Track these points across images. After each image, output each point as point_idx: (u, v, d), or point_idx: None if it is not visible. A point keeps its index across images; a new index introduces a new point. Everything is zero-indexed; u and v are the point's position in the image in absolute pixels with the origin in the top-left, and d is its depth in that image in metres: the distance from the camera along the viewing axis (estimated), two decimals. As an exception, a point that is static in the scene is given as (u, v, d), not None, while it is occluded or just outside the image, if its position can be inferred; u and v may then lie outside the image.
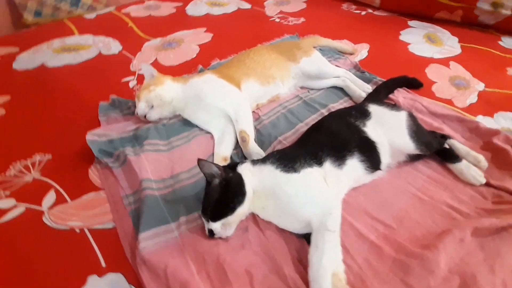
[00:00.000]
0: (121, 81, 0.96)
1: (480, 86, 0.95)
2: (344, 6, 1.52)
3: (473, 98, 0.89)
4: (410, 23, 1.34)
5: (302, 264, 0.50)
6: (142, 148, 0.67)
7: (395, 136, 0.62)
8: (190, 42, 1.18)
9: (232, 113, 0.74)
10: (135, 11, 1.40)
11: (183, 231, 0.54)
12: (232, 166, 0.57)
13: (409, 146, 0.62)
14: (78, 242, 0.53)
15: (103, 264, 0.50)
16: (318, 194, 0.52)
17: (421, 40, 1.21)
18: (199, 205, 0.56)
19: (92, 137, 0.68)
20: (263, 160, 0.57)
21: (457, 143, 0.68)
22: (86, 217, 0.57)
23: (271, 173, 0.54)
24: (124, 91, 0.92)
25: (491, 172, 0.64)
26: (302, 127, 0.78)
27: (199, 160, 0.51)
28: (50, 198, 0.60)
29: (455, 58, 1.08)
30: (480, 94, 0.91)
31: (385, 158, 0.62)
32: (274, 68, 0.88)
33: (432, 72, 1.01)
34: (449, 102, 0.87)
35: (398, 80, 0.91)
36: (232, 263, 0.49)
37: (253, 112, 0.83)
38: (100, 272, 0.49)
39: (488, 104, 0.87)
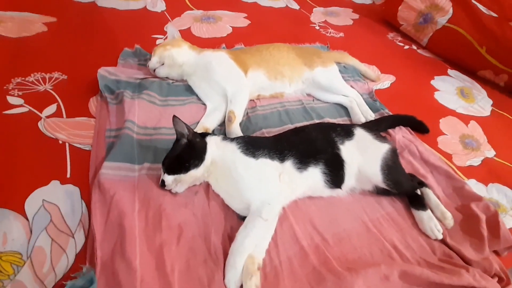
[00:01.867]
0: (151, 36, 1.05)
1: (491, 153, 0.89)
2: (390, 35, 1.49)
3: (476, 161, 0.85)
4: (450, 71, 1.28)
5: (230, 240, 0.53)
6: (139, 95, 0.74)
7: (366, 163, 0.62)
8: (227, 22, 1.24)
9: (230, 93, 0.78)
10: (193, -20, 1.49)
11: (143, 174, 0.60)
12: (203, 135, 0.61)
13: (376, 177, 0.62)
14: (57, 151, 0.61)
15: (68, 175, 0.57)
16: (265, 184, 0.55)
17: (453, 91, 1.15)
18: (165, 159, 0.61)
19: (103, 72, 0.76)
20: (232, 139, 0.60)
21: (431, 194, 0.66)
22: (71, 134, 0.65)
23: (232, 151, 0.57)
24: (150, 45, 1.00)
25: (454, 233, 0.61)
26: (290, 128, 0.80)
27: (174, 117, 0.56)
28: (51, 109, 0.68)
29: (479, 119, 1.02)
30: (486, 160, 0.86)
31: (350, 180, 0.63)
32: (287, 67, 0.90)
33: (446, 123, 0.97)
34: (448, 156, 0.84)
35: (404, 118, 0.89)
36: (170, 215, 0.54)
37: (252, 100, 0.87)
38: (63, 180, 0.56)
39: (489, 172, 0.81)
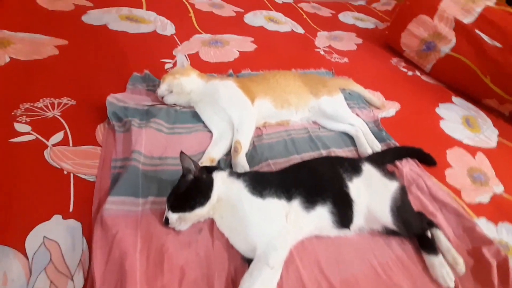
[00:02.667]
0: (160, 60, 1.06)
1: (499, 188, 0.88)
2: (394, 60, 1.51)
3: (485, 198, 0.83)
4: (455, 99, 1.28)
5: (233, 285, 0.51)
6: (147, 124, 0.74)
7: (375, 203, 0.61)
8: (234, 46, 1.27)
9: (236, 122, 0.78)
10: (201, 4, 1.54)
11: (146, 209, 0.59)
12: (210, 170, 0.60)
13: (386, 219, 0.60)
14: (61, 182, 0.60)
15: (71, 209, 0.56)
16: (271, 226, 0.53)
17: (458, 120, 1.15)
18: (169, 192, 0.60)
19: (112, 99, 0.77)
20: (238, 175, 0.60)
21: (442, 236, 0.64)
22: (77, 164, 0.64)
23: (239, 189, 0.56)
24: (159, 69, 1.02)
25: (465, 280, 0.59)
26: (296, 159, 0.80)
27: (181, 153, 0.56)
28: (57, 137, 0.68)
29: (486, 151, 1.02)
30: (495, 197, 0.84)
31: (358, 219, 0.61)
32: (293, 95, 0.91)
33: (453, 155, 0.96)
34: (457, 192, 0.82)
35: (411, 150, 0.88)
36: (172, 255, 0.52)
37: (258, 128, 0.87)
38: (66, 215, 0.55)
39: (498, 210, 0.80)
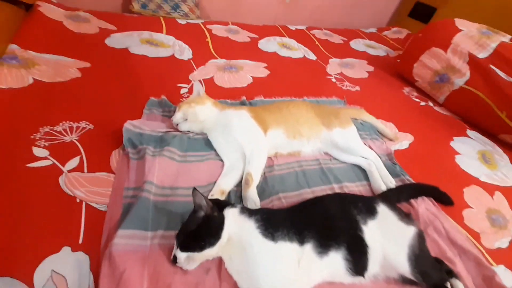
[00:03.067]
0: (176, 84, 1.09)
1: (519, 233, 0.83)
2: (406, 90, 1.50)
3: (504, 243, 0.79)
4: (470, 132, 1.26)
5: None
6: (160, 152, 0.75)
7: (392, 251, 0.58)
8: (248, 71, 1.29)
9: (248, 153, 0.78)
10: (217, 29, 1.60)
11: (155, 244, 0.58)
12: (221, 205, 0.59)
13: (404, 268, 0.57)
14: (72, 211, 0.60)
15: (80, 240, 0.56)
16: (283, 273, 0.51)
17: (474, 155, 1.12)
18: (179, 226, 0.59)
19: (128, 125, 0.78)
20: (250, 213, 0.58)
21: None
22: (90, 192, 0.64)
23: (250, 230, 0.55)
24: (175, 94, 1.04)
25: None
26: (307, 193, 0.78)
27: (194, 189, 0.55)
28: (73, 162, 0.69)
29: (504, 190, 0.98)
30: (515, 242, 0.80)
31: (374, 267, 0.58)
32: (305, 126, 0.91)
33: (471, 194, 0.92)
34: (476, 235, 0.78)
35: (427, 188, 0.85)
36: (178, 297, 0.50)
37: (269, 158, 0.86)
38: (75, 247, 0.54)
39: (519, 257, 0.75)
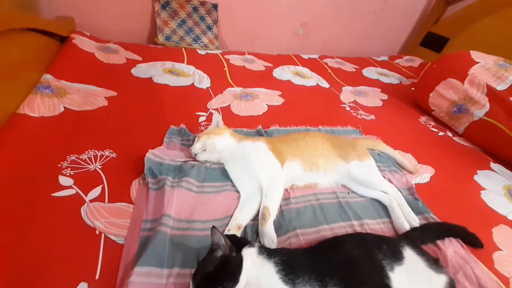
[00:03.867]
0: (195, 112, 1.13)
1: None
2: (422, 119, 1.48)
3: (542, 292, 0.71)
4: (493, 165, 1.20)
5: None
6: (179, 183, 0.76)
7: (421, 303, 0.54)
8: (263, 100, 1.33)
9: (265, 186, 0.78)
10: (234, 59, 1.68)
11: (170, 283, 0.56)
12: (240, 244, 0.58)
13: (435, 324, 0.53)
14: (91, 244, 0.60)
15: (97, 276, 0.55)
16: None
17: (500, 191, 1.06)
18: (195, 263, 0.58)
19: (150, 155, 0.80)
20: (269, 254, 0.56)
21: None
22: (109, 223, 0.65)
23: (269, 274, 0.52)
24: (193, 121, 1.08)
25: None
26: (326, 229, 0.75)
27: (212, 228, 0.54)
28: (95, 192, 0.71)
29: (535, 230, 0.91)
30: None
31: (401, 320, 0.54)
32: (322, 158, 0.90)
33: (500, 235, 0.86)
34: (505, 280, 0.71)
35: (454, 229, 0.80)
36: None
37: (285, 190, 0.85)
38: (91, 283, 0.54)
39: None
